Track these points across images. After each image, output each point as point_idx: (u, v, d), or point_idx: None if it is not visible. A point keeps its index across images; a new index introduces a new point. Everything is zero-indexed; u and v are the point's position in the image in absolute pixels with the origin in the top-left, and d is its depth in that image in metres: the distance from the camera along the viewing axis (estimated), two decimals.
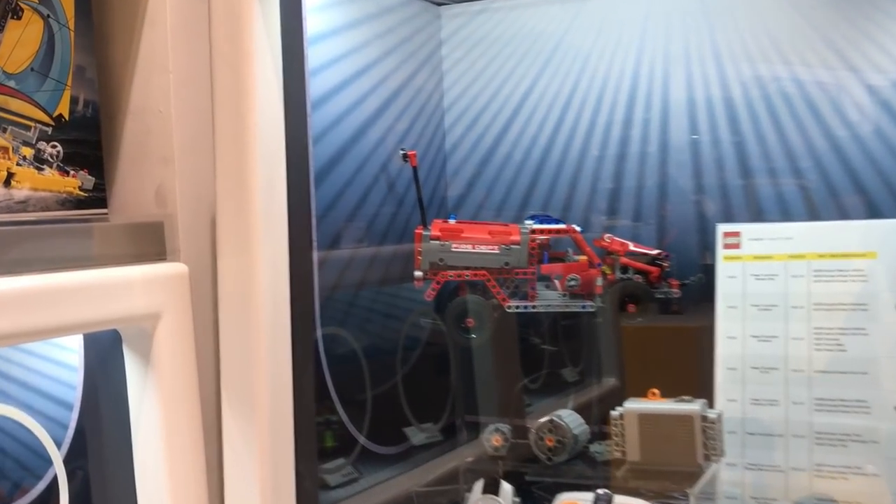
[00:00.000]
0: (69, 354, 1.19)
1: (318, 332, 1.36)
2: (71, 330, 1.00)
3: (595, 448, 1.36)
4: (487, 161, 1.76)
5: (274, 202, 1.06)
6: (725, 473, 1.26)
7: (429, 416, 1.68)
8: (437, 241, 1.38)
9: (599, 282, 1.42)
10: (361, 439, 1.52)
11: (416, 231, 1.40)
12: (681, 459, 1.14)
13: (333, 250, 1.42)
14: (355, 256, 1.49)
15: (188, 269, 1.11)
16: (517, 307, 1.41)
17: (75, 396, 1.19)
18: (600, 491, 1.03)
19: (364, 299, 1.59)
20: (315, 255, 1.33)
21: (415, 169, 1.41)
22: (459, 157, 1.78)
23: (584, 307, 1.41)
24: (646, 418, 1.16)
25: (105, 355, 1.13)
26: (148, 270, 1.06)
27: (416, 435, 1.62)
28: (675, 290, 1.45)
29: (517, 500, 1.17)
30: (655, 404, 1.19)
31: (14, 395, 1.23)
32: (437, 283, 1.38)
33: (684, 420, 1.14)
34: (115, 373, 1.12)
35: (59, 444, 1.20)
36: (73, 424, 1.19)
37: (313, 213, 1.33)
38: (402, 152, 1.41)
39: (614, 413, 1.19)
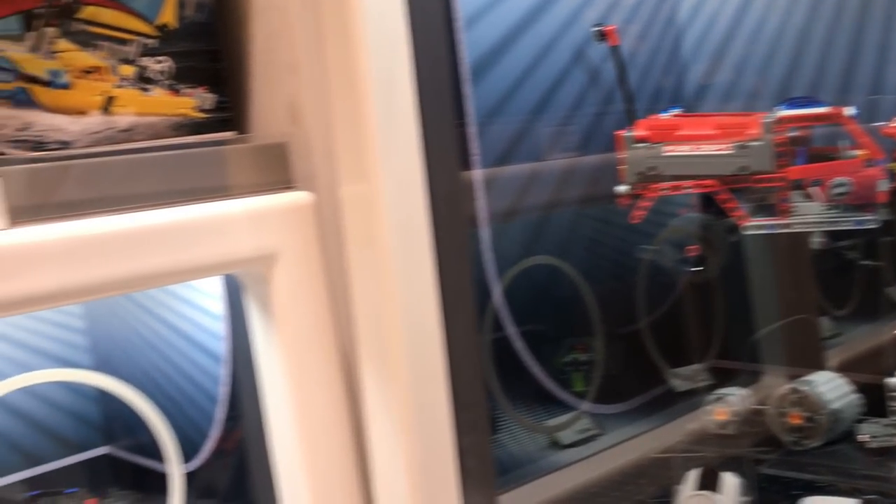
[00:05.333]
0: (213, 301, 1.09)
1: (491, 268, 1.14)
2: (165, 279, 0.88)
3: (868, 430, 1.01)
4: (735, 32, 1.41)
5: (397, 111, 0.86)
6: None
7: (673, 363, 1.43)
8: (646, 144, 1.10)
9: (883, 185, 1.06)
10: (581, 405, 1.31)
11: (617, 134, 1.11)
12: None
13: (509, 165, 1.18)
14: (547, 171, 1.25)
15: (316, 199, 0.94)
16: (759, 227, 1.09)
17: (224, 349, 1.08)
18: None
19: (581, 222, 1.35)
20: (478, 175, 1.11)
21: (615, 49, 1.12)
22: (698, 32, 1.44)
23: (858, 223, 1.06)
24: None
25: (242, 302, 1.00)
26: (259, 203, 0.91)
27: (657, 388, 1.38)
28: None
29: (746, 500, 0.88)
30: None
31: (174, 343, 1.16)
32: (648, 199, 1.09)
33: None
34: None
35: (215, 402, 1.12)
36: (226, 380, 1.09)
37: (470, 120, 1.10)
38: (595, 29, 1.12)
39: (891, 381, 0.86)
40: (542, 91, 1.26)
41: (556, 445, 1.33)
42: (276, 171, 0.98)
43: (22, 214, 0.79)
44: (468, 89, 1.12)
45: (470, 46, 1.13)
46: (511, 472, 1.25)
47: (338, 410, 0.93)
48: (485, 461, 0.95)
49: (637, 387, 1.44)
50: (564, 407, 1.37)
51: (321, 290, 0.93)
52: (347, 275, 0.93)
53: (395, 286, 0.88)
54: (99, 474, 1.25)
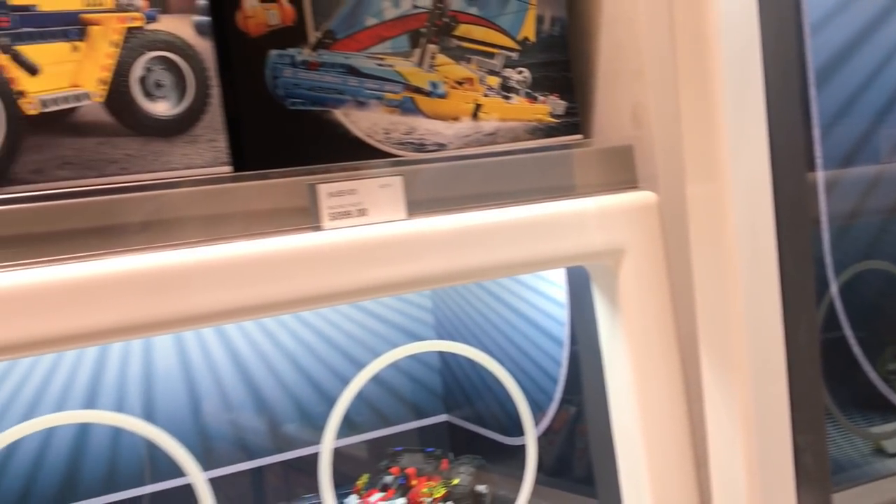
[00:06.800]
0: (556, 290, 1.19)
1: (830, 273, 1.14)
2: (526, 267, 0.99)
3: None
4: None
5: (746, 112, 0.91)
6: None
7: None
8: None
9: None
10: None
11: None
12: None
13: (851, 168, 1.17)
14: (890, 174, 1.22)
15: (659, 198, 1.00)
16: None
17: (564, 333, 1.18)
18: None
19: None
20: (821, 177, 1.11)
21: None
22: None
23: None
24: None
25: (586, 292, 1.09)
26: (609, 202, 0.99)
27: None
28: None
29: None
30: None
31: (516, 325, 1.27)
32: None
33: None
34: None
35: (554, 381, 1.21)
36: (564, 363, 1.18)
37: (814, 122, 1.11)
38: None
39: None
40: (888, 92, 1.23)
41: (881, 453, 1.30)
42: (621, 172, 1.06)
43: (415, 207, 0.92)
44: (813, 92, 1.13)
45: (816, 50, 1.14)
46: (833, 474, 1.24)
47: (677, 400, 0.98)
48: (821, 459, 0.96)
49: None
50: (886, 414, 1.33)
51: (665, 286, 0.99)
52: (690, 271, 0.98)
53: (739, 285, 0.92)
54: (440, 439, 1.40)
